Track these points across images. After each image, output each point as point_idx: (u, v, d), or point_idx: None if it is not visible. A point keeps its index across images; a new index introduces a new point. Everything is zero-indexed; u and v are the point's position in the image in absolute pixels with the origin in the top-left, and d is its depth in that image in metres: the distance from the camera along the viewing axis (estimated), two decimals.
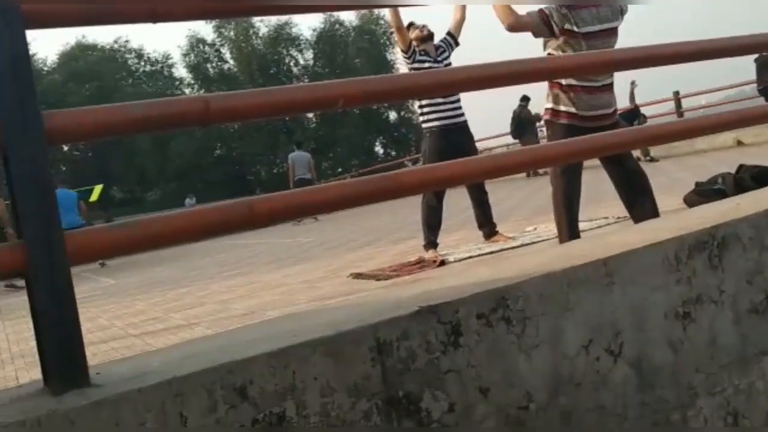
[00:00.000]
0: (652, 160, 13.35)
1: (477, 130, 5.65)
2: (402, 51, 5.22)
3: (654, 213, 3.54)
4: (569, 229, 3.55)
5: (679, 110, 16.49)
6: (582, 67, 2.64)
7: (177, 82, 37.77)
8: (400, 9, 5.11)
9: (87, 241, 1.59)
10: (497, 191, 5.45)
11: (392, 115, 36.66)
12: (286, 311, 3.99)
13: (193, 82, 37.29)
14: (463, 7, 5.39)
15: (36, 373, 3.43)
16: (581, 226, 3.76)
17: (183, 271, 8.59)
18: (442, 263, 4.72)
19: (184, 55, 35.95)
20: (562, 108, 3.60)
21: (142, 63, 38.14)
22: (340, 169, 34.41)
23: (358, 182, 1.87)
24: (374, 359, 1.61)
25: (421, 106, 5.33)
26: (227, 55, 36.86)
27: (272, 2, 1.94)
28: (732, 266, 2.11)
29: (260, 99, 1.79)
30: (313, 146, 33.06)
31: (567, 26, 3.47)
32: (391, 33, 34.29)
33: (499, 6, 3.35)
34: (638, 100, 14.87)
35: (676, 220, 2.52)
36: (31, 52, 1.56)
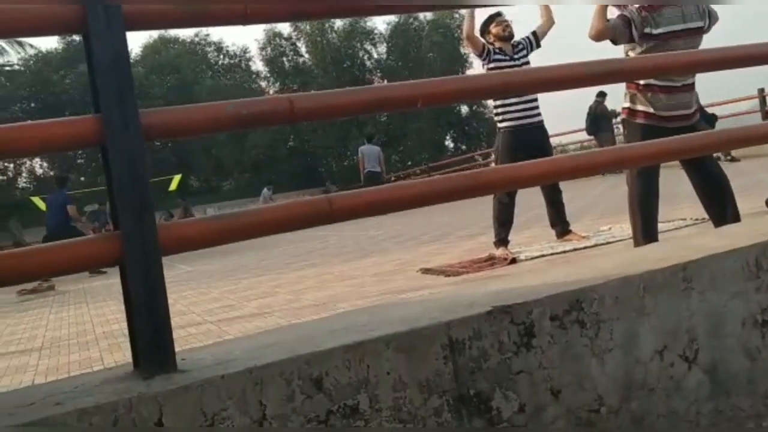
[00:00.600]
0: (733, 160, 12.86)
1: (551, 125, 5.56)
2: (477, 55, 5.21)
3: (734, 216, 3.44)
4: (644, 232, 3.48)
5: (764, 108, 15.73)
6: (659, 68, 2.58)
7: (254, 75, 38.57)
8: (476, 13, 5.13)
9: (180, 232, 1.67)
10: (571, 188, 5.38)
11: (464, 109, 36.42)
12: (356, 304, 4.06)
13: (269, 75, 38.01)
14: (551, 12, 5.30)
15: (119, 356, 3.62)
16: (658, 227, 3.67)
17: (256, 260, 8.81)
18: (513, 261, 4.70)
19: (261, 49, 36.65)
20: (639, 107, 3.53)
21: (221, 56, 39.08)
22: (409, 162, 34.41)
23: (437, 180, 1.90)
24: (446, 357, 1.64)
25: (495, 106, 5.31)
26: (302, 49, 37.36)
27: (355, 4, 1.98)
28: None
29: (342, 98, 1.84)
30: (383, 139, 33.19)
31: (647, 30, 3.40)
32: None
33: (600, 8, 3.31)
34: (714, 98, 14.31)
35: (757, 225, 2.45)
36: None
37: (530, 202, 6.20)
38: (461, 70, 35.92)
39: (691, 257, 1.94)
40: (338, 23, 35.94)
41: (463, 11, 6.21)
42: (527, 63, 5.30)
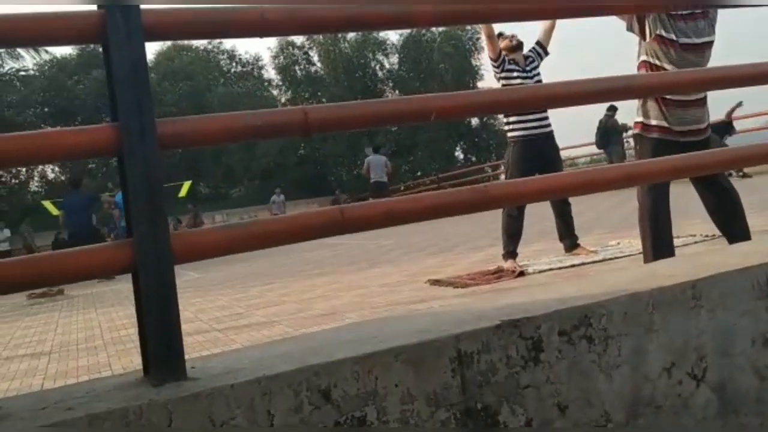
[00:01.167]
0: (745, 176, 12.81)
1: (561, 138, 5.57)
2: (492, 60, 5.22)
3: (745, 234, 3.43)
4: (654, 248, 3.47)
5: None
6: (672, 85, 2.59)
7: (266, 84, 38.74)
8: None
9: (192, 240, 1.69)
10: (580, 201, 5.36)
11: (474, 121, 36.46)
12: (364, 314, 4.07)
13: (281, 83, 38.16)
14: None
15: (126, 362, 3.64)
16: None
17: (265, 268, 8.83)
18: (522, 274, 4.70)
19: (274, 57, 36.79)
20: (654, 122, 3.53)
21: (234, 64, 39.28)
22: (419, 173, 34.44)
23: (448, 194, 1.91)
24: (455, 370, 1.65)
25: (506, 116, 5.32)
26: (315, 58, 37.48)
27: (370, 14, 1.99)
28: None
29: (356, 110, 1.86)
30: (393, 149, 33.26)
31: (659, 31, 3.41)
32: (477, 39, 34.17)
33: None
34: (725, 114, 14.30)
35: (767, 243, 2.45)
36: None
37: (539, 214, 6.20)
38: (472, 82, 36.00)
39: (700, 275, 1.94)
40: (351, 33, 36.09)
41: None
42: (538, 74, 5.33)
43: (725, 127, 13.73)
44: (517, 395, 1.71)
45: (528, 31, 5.40)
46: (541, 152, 5.11)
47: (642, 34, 3.47)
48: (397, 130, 34.00)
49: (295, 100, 36.71)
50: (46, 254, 1.62)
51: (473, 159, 36.24)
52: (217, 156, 32.89)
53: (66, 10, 1.67)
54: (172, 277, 1.61)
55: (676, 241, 4.80)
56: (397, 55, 37.82)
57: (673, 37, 3.40)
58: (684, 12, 3.38)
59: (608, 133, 16.32)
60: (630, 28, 3.52)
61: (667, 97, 3.43)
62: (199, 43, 38.17)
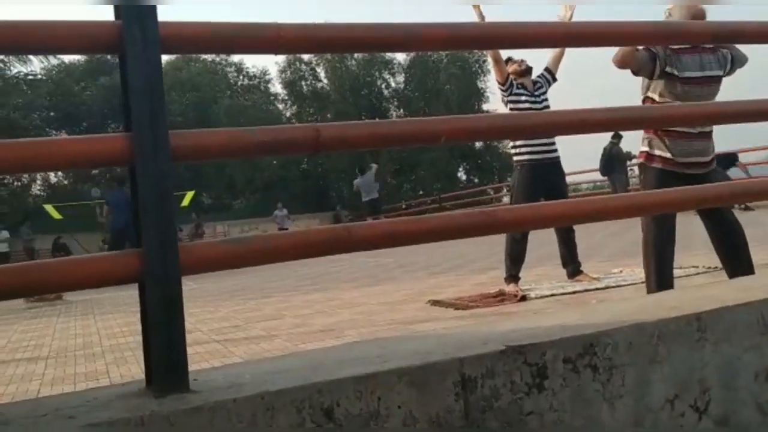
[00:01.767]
0: (747, 208, 12.81)
1: (565, 163, 5.57)
2: (499, 83, 5.24)
3: (748, 267, 3.43)
4: (657, 279, 3.46)
5: None
6: (675, 119, 2.60)
7: (272, 97, 38.91)
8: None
9: (200, 253, 1.69)
10: (583, 228, 5.36)
11: (478, 143, 36.60)
12: (364, 332, 4.06)
13: (287, 98, 38.34)
14: None
15: (124, 370, 3.63)
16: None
17: (264, 281, 8.81)
18: (523, 298, 4.69)
19: (281, 72, 36.95)
20: (657, 152, 3.54)
21: (241, 77, 39.48)
22: (421, 192, 34.49)
23: (454, 216, 1.91)
24: (458, 394, 1.64)
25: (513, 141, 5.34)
26: (321, 74, 37.68)
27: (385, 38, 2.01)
28: None
29: (367, 130, 1.87)
30: (396, 167, 33.33)
31: (668, 69, 3.43)
32: (484, 61, 34.34)
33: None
34: (734, 146, 14.36)
35: None
36: None
37: (542, 239, 6.19)
38: (477, 104, 36.15)
39: (705, 307, 1.94)
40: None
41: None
42: (546, 99, 5.35)
43: (729, 159, 13.78)
44: (519, 421, 1.70)
45: (535, 58, 5.38)
46: (546, 177, 5.12)
47: (651, 73, 3.47)
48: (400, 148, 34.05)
49: (300, 115, 36.85)
50: (53, 261, 1.62)
51: (476, 180, 36.31)
52: (221, 167, 32.94)
53: (84, 20, 1.68)
54: (179, 288, 1.61)
55: (679, 272, 4.81)
56: (403, 75, 38.02)
57: (675, 71, 3.41)
58: (686, 46, 3.40)
59: (612, 161, 16.33)
60: (641, 72, 3.50)
61: (671, 129, 3.44)
62: (208, 55, 38.37)
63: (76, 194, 28.51)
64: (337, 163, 33.96)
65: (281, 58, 36.97)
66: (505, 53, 5.37)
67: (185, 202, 21.42)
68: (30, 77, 30.88)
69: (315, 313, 5.28)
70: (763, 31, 2.48)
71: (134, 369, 3.64)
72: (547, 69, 5.45)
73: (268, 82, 39.42)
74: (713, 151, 3.63)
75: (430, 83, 36.62)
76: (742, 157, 15.63)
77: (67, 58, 33.46)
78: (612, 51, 3.40)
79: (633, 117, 2.27)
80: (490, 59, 5.75)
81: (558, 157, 5.30)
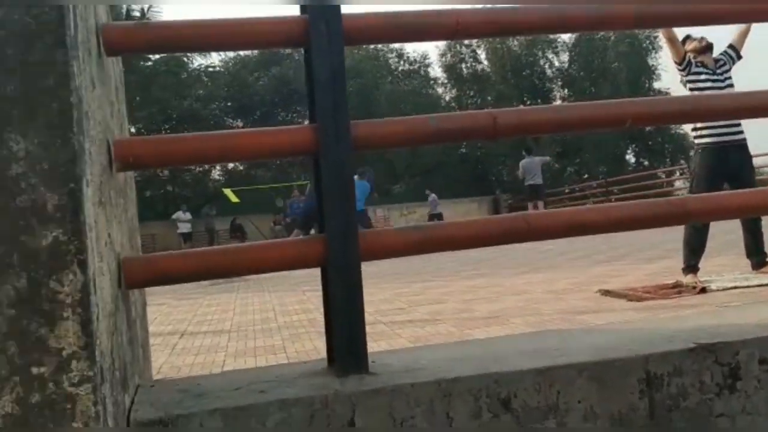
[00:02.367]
0: None
1: (751, 144, 5.10)
2: (676, 63, 4.90)
3: None
4: None
5: None
6: None
7: (431, 81, 39.11)
8: None
9: (378, 240, 1.74)
10: None
11: None
12: (530, 320, 3.99)
13: (446, 81, 38.36)
14: None
15: (299, 346, 3.82)
16: None
17: (424, 265, 8.92)
18: (703, 290, 4.38)
19: (441, 56, 36.95)
20: None
21: (402, 62, 40.00)
22: (586, 175, 33.23)
23: (638, 205, 1.82)
24: (642, 392, 1.57)
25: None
26: (482, 56, 37.26)
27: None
28: None
29: (547, 115, 1.82)
30: (558, 150, 32.31)
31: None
32: (655, 37, 32.31)
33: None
34: None
35: None
36: None
37: (722, 227, 5.75)
38: (648, 82, 34.16)
39: None
40: None
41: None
42: (730, 78, 4.94)
43: None
44: (708, 423, 1.60)
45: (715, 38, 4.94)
46: (730, 161, 4.73)
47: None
48: None
49: (460, 98, 36.72)
50: (246, 245, 1.74)
51: (645, 163, 34.39)
52: (381, 151, 33.63)
53: (272, 16, 1.77)
54: (359, 274, 1.66)
55: None
56: (567, 54, 36.67)
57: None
58: None
59: None
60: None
61: None
62: None
63: (250, 179, 30.40)
64: (497, 148, 33.50)
65: (441, 42, 37.05)
66: (681, 31, 5.01)
67: (233, 198, 22.23)
68: (210, 69, 33.17)
69: (478, 299, 5.26)
70: None
71: (308, 345, 3.83)
72: (731, 46, 5.02)
73: (427, 66, 39.60)
74: None
75: (597, 62, 35.04)
76: None
77: (243, 51, 35.63)
78: None
79: None
80: (663, 38, 5.38)
81: (744, 139, 4.87)
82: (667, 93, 31.31)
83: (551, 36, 35.39)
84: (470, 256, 9.66)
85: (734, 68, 5.02)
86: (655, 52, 33.84)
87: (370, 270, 8.39)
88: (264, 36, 1.77)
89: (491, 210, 29.28)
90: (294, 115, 32.89)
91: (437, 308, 4.96)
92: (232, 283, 9.22)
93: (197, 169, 31.90)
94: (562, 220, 1.79)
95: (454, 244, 1.75)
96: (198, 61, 32.32)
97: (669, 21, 2.21)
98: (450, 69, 37.52)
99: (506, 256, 9.27)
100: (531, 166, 15.83)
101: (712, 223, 4.85)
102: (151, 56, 26.50)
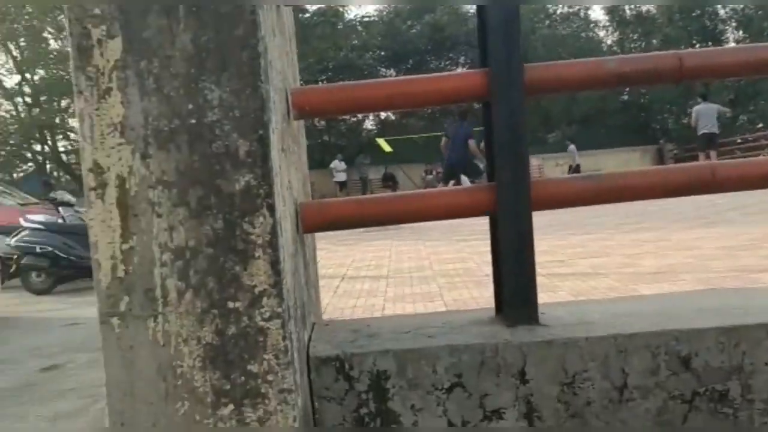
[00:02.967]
0: None
1: None
2: None
3: None
4: None
5: None
6: None
7: (592, 24, 37.17)
8: None
9: (552, 189, 1.69)
10: None
11: None
12: (701, 278, 3.76)
13: (608, 24, 36.30)
14: None
15: (455, 294, 3.85)
16: None
17: (584, 217, 8.63)
18: None
19: None
20: None
21: (560, 5, 38.33)
22: (760, 125, 30.46)
23: None
24: None
25: None
26: None
27: None
28: None
29: (738, 57, 1.66)
30: (731, 97, 29.80)
31: None
32: None
33: None
34: None
35: None
36: None
37: None
38: None
39: None
40: None
41: None
42: None
43: None
44: None
45: None
46: None
47: None
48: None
49: (622, 42, 34.63)
50: (414, 193, 1.75)
51: None
52: (534, 99, 32.63)
53: None
54: (530, 222, 1.63)
55: None
56: None
57: None
58: None
59: None
60: None
61: None
62: None
63: (402, 129, 30.69)
64: (663, 94, 31.44)
65: None
66: None
67: (386, 148, 21.78)
68: (366, 19, 33.55)
69: (643, 254, 5.03)
70: None
71: (465, 294, 3.85)
72: None
73: (587, 8, 37.64)
74: None
75: None
76: None
77: None
78: None
79: None
80: None
81: None
82: None
83: None
84: (634, 209, 9.22)
85: None
86: None
87: None
88: None
89: (655, 160, 27.70)
90: (447, 62, 32.56)
91: (599, 262, 4.80)
92: (386, 230, 9.43)
93: (351, 119, 32.66)
94: (754, 171, 1.65)
95: (632, 194, 1.66)
96: (354, 11, 32.77)
97: None
98: (612, 11, 35.42)
99: (673, 209, 8.76)
100: (706, 114, 14.63)
101: None
102: (308, 6, 27.14)
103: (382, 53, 34.49)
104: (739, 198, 8.96)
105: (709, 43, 31.19)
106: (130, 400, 1.19)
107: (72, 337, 4.66)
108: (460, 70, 25.06)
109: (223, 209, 1.21)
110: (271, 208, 1.22)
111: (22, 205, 10.07)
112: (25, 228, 7.36)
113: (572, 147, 24.16)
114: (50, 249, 7.11)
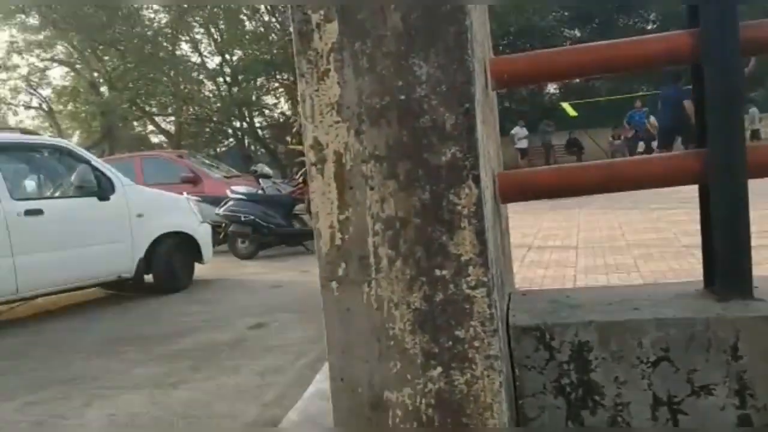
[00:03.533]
0: None
1: None
2: None
3: None
4: None
5: None
6: None
7: None
8: None
9: None
10: None
11: None
12: None
13: None
14: None
15: (652, 266, 3.68)
16: None
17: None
18: None
19: None
20: None
21: None
22: None
23: None
24: None
25: None
26: None
27: None
28: None
29: None
30: None
31: None
32: None
33: None
34: None
35: None
36: None
37: None
38: None
39: None
40: None
41: None
42: None
43: None
44: None
45: None
46: None
47: None
48: None
49: None
50: (629, 159, 1.70)
51: None
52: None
53: None
54: (745, 191, 1.53)
55: None
56: None
57: None
58: None
59: None
60: None
61: None
62: None
63: (586, 92, 29.43)
64: None
65: None
66: None
67: (571, 112, 20.27)
68: None
69: None
70: None
71: (662, 266, 3.67)
72: None
73: None
74: None
75: None
76: None
77: None
78: None
79: None
80: None
81: None
82: None
83: None
84: None
85: None
86: None
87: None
88: None
89: None
90: (636, 20, 30.63)
91: None
92: (576, 197, 9.15)
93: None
94: None
95: None
96: None
97: None
98: None
99: None
100: None
101: None
102: None
103: (566, 13, 33.17)
104: None
105: None
106: (348, 358, 1.29)
107: (275, 299, 5.06)
108: (655, 31, 23.55)
109: (429, 181, 1.26)
110: (477, 180, 1.25)
111: (227, 177, 10.98)
112: (231, 198, 8.04)
113: (753, 110, 21.76)
114: (252, 218, 7.72)
